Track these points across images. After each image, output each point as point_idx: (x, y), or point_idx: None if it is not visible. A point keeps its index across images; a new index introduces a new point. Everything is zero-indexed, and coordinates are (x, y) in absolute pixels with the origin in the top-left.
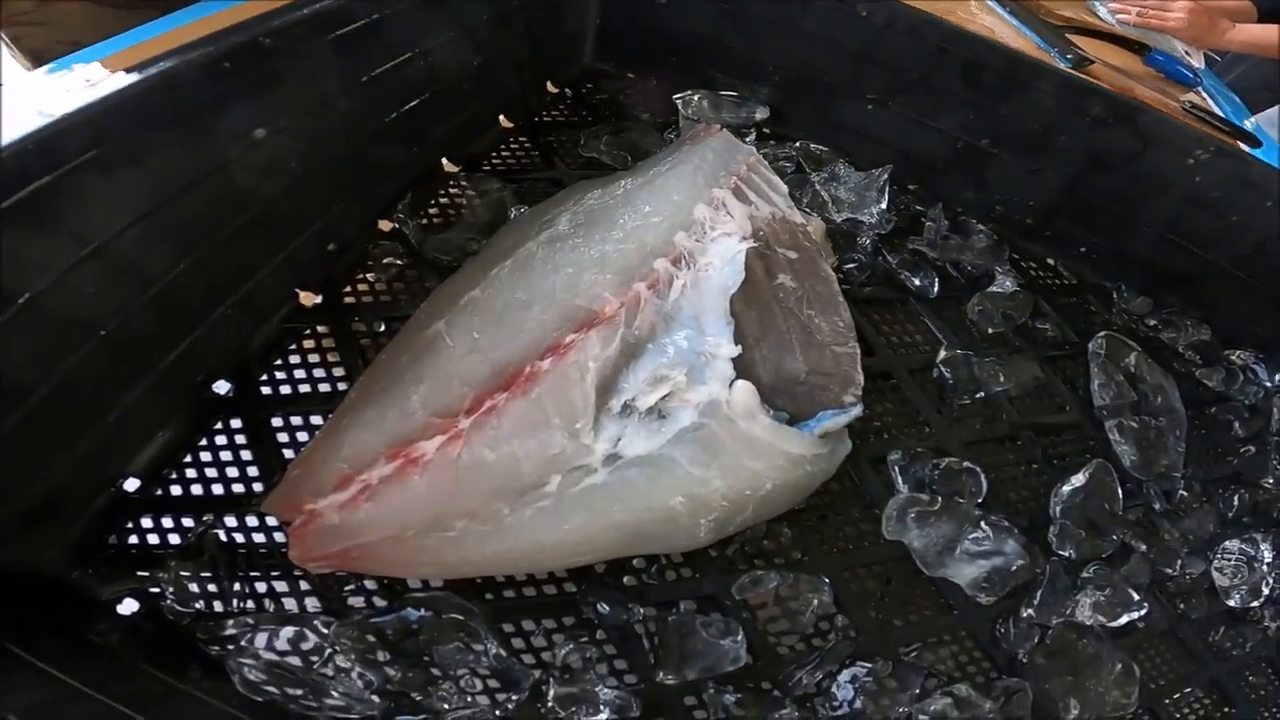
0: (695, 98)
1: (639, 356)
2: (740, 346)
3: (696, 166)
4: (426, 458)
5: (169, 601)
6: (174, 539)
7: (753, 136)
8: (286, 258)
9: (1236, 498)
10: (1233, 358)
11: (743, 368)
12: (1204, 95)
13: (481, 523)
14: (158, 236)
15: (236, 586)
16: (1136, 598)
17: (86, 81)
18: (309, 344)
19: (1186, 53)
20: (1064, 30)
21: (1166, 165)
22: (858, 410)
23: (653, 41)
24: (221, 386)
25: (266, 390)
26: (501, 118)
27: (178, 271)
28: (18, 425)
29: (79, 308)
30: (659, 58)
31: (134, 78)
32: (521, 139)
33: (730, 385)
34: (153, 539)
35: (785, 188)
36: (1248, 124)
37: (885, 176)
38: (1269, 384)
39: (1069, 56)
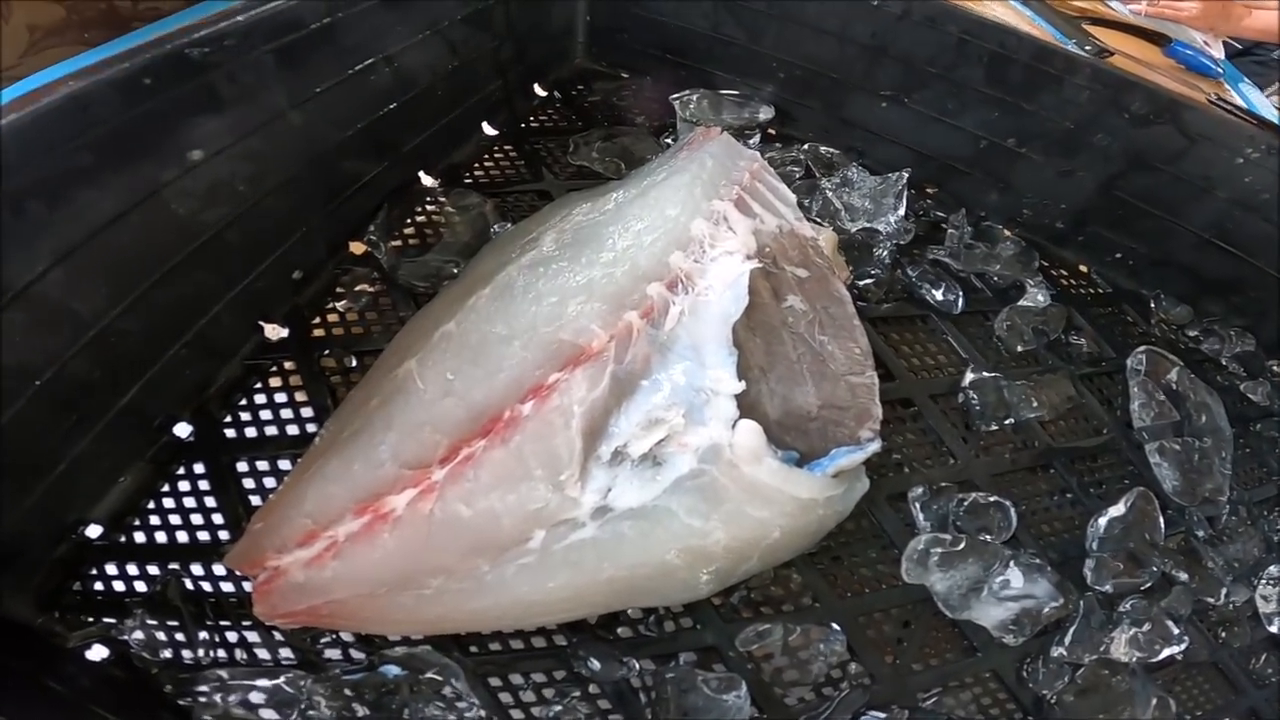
0: (694, 98)
1: (631, 396)
2: (744, 381)
3: (694, 175)
4: (396, 513)
5: (136, 650)
6: (140, 586)
7: (757, 139)
8: (245, 289)
9: None
10: (1276, 369)
11: (747, 404)
12: (1227, 87)
13: (459, 581)
14: (85, 276)
15: (205, 636)
16: (1177, 631)
17: None
18: (275, 382)
19: (1205, 42)
20: (1080, 21)
21: (1213, 164)
22: (876, 446)
23: (648, 38)
24: (183, 430)
25: (230, 433)
26: (484, 125)
27: (116, 312)
28: None
29: (5, 358)
30: (655, 55)
31: (35, 104)
32: (507, 147)
33: (733, 426)
34: (118, 586)
35: (793, 197)
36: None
37: (904, 180)
38: None
39: (1087, 49)
